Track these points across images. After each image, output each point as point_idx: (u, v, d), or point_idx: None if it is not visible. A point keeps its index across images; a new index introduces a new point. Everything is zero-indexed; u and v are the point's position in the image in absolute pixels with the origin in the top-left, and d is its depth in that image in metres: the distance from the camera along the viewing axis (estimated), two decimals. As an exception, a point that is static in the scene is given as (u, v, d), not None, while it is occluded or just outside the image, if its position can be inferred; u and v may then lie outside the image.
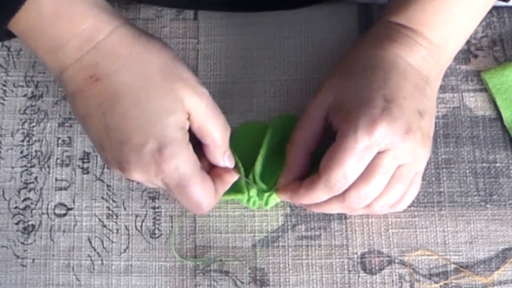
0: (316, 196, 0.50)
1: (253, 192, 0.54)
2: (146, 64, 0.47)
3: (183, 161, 0.47)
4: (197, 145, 0.51)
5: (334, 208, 0.52)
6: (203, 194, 0.49)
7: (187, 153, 0.48)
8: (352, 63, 0.54)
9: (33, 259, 0.57)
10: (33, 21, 0.46)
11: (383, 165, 0.49)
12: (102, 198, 0.58)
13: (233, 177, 0.52)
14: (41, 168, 0.59)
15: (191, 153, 0.48)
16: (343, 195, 0.50)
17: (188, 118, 0.49)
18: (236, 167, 0.53)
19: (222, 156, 0.51)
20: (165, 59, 0.48)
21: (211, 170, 0.52)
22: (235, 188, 0.54)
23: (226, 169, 0.52)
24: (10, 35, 0.49)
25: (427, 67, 0.53)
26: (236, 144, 0.53)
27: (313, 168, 0.53)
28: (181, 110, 0.47)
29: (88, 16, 0.47)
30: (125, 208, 0.58)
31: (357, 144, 0.48)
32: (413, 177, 0.52)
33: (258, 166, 0.54)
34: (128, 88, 0.47)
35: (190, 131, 0.49)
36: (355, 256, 0.56)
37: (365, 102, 0.49)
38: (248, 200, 0.54)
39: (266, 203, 0.54)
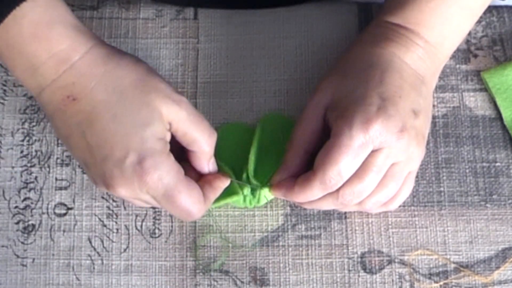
0: (311, 194, 0.50)
1: (247, 190, 0.54)
2: (119, 80, 0.48)
3: (165, 171, 0.47)
4: (182, 154, 0.51)
5: (327, 205, 0.52)
6: (190, 201, 0.49)
7: (168, 163, 0.48)
8: (349, 62, 0.54)
9: (33, 259, 0.57)
10: (12, 40, 0.47)
11: (377, 163, 0.49)
12: (102, 197, 0.58)
13: (223, 183, 0.52)
14: (41, 167, 0.59)
15: (173, 162, 0.49)
16: (336, 192, 0.50)
17: (170, 128, 0.49)
18: (222, 171, 0.53)
19: (207, 162, 0.52)
20: (138, 73, 0.49)
21: (200, 177, 0.52)
22: (228, 191, 0.54)
23: (215, 175, 0.52)
24: None
25: (424, 67, 0.53)
26: (219, 145, 0.53)
27: (310, 168, 0.53)
28: (158, 121, 0.48)
29: (65, 38, 0.47)
30: (125, 208, 0.58)
31: (352, 141, 0.48)
32: (406, 176, 0.52)
33: (251, 165, 0.54)
34: (104, 104, 0.47)
35: (174, 141, 0.50)
36: (355, 255, 0.56)
37: (361, 100, 0.49)
38: (244, 199, 0.54)
39: (258, 201, 0.54)
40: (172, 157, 0.49)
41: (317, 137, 0.52)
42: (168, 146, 0.49)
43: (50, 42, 0.47)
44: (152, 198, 0.49)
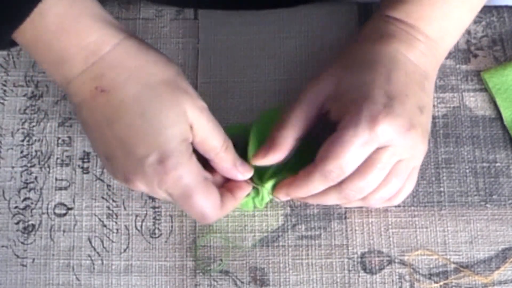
0: (312, 186, 0.50)
1: (253, 191, 0.54)
2: (151, 76, 0.48)
3: (185, 171, 0.47)
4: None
5: (331, 199, 0.52)
6: (207, 204, 0.49)
7: (190, 164, 0.48)
8: (352, 56, 0.54)
9: (33, 259, 0.57)
10: (39, 34, 0.46)
11: (382, 160, 0.49)
12: (102, 197, 0.58)
13: (243, 191, 0.53)
14: (41, 168, 0.59)
15: (195, 164, 0.49)
16: (339, 186, 0.50)
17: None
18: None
19: (234, 167, 0.52)
20: (169, 73, 0.49)
21: (224, 183, 0.53)
22: None
23: (237, 184, 0.53)
24: (14, 44, 0.49)
25: (426, 62, 0.53)
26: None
27: (297, 156, 0.53)
28: (184, 123, 0.48)
29: (93, 30, 0.47)
30: (125, 208, 0.58)
31: (357, 138, 0.48)
32: (411, 171, 0.52)
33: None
34: (133, 99, 0.47)
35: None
36: (355, 256, 0.56)
37: (368, 97, 0.49)
38: (253, 201, 0.54)
39: (262, 199, 0.54)
40: (194, 159, 0.49)
41: (310, 125, 0.52)
42: (191, 148, 0.49)
43: (79, 35, 0.46)
44: (168, 196, 0.49)
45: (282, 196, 0.53)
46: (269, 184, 0.54)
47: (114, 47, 0.47)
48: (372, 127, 0.48)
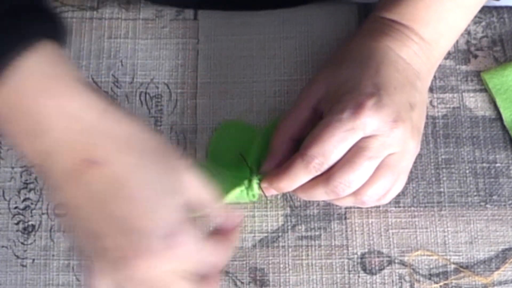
0: (294, 175, 0.49)
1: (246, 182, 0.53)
2: (146, 143, 0.43)
3: (194, 239, 0.43)
4: None
5: (319, 192, 0.50)
6: (223, 255, 0.47)
7: (195, 231, 0.44)
8: (344, 55, 0.54)
9: (33, 259, 0.57)
10: (15, 98, 0.39)
11: (369, 149, 0.48)
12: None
13: (234, 235, 0.49)
14: (41, 168, 0.59)
15: (195, 229, 0.45)
16: (327, 177, 0.49)
17: None
18: (219, 169, 0.53)
19: (222, 217, 0.49)
20: (156, 137, 0.44)
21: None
22: (227, 187, 0.53)
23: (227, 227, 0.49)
24: None
25: (419, 62, 0.53)
26: (217, 141, 0.53)
27: None
28: (183, 188, 0.44)
29: (77, 93, 0.40)
30: (125, 208, 0.58)
31: (341, 123, 0.48)
32: (400, 171, 0.51)
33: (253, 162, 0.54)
34: (132, 170, 0.41)
35: None
36: (355, 256, 0.56)
37: (356, 88, 0.49)
38: (247, 192, 0.54)
39: (252, 190, 0.54)
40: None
41: (304, 126, 0.52)
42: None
43: (61, 97, 0.40)
44: (174, 272, 0.43)
45: (268, 186, 0.52)
46: (258, 177, 0.53)
47: (101, 114, 0.41)
48: (357, 114, 0.48)
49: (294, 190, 0.52)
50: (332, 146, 0.48)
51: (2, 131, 0.41)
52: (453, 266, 0.55)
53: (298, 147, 0.52)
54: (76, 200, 0.42)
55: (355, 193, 0.50)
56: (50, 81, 0.40)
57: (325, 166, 0.49)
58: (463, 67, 0.60)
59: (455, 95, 0.60)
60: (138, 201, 0.41)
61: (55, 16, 0.42)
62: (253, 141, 0.56)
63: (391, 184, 0.51)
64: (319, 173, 0.49)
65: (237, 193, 0.54)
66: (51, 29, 0.41)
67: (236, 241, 0.51)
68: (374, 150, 0.48)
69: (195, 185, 0.45)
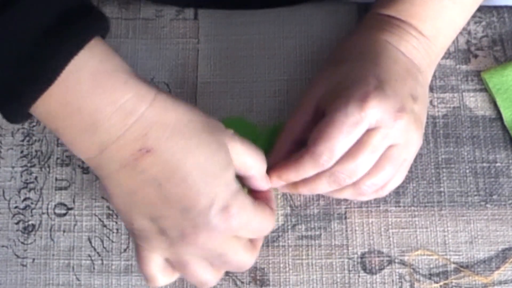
0: (303, 170, 0.50)
1: None
2: (192, 124, 0.45)
3: (248, 210, 0.46)
4: None
5: (322, 185, 0.51)
6: (271, 222, 0.49)
7: (246, 199, 0.47)
8: (342, 53, 0.55)
9: (33, 259, 0.57)
10: (70, 96, 0.41)
11: (373, 142, 0.49)
12: (102, 197, 0.58)
13: (274, 203, 0.52)
14: (41, 167, 0.59)
15: (248, 198, 0.47)
16: (330, 169, 0.50)
17: None
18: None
19: (266, 181, 0.51)
20: (200, 114, 0.46)
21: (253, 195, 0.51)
22: None
23: (267, 196, 0.52)
24: (26, 116, 0.43)
25: (419, 56, 0.53)
26: None
27: None
28: (231, 160, 0.46)
29: (129, 87, 0.43)
30: (125, 208, 0.58)
31: (347, 118, 0.48)
32: (401, 164, 0.52)
33: None
34: (184, 152, 0.44)
35: None
36: (355, 256, 0.56)
37: (358, 81, 0.49)
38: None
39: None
40: (246, 193, 0.48)
41: (307, 127, 0.52)
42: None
43: (114, 92, 0.42)
44: (232, 247, 0.47)
45: (275, 179, 0.52)
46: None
47: (150, 104, 0.43)
48: (362, 106, 0.48)
49: (296, 183, 0.52)
50: (338, 141, 0.48)
51: (50, 128, 0.44)
52: (453, 265, 0.55)
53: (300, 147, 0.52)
54: (131, 188, 0.44)
55: (354, 183, 0.51)
56: (103, 77, 0.42)
57: (333, 161, 0.49)
58: (463, 67, 0.60)
59: (455, 94, 0.60)
60: (192, 181, 0.44)
61: (99, 13, 0.43)
62: (254, 138, 0.56)
63: (391, 175, 0.51)
64: (326, 168, 0.50)
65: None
66: (98, 26, 0.43)
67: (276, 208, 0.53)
68: (377, 142, 0.49)
69: (241, 153, 0.47)
